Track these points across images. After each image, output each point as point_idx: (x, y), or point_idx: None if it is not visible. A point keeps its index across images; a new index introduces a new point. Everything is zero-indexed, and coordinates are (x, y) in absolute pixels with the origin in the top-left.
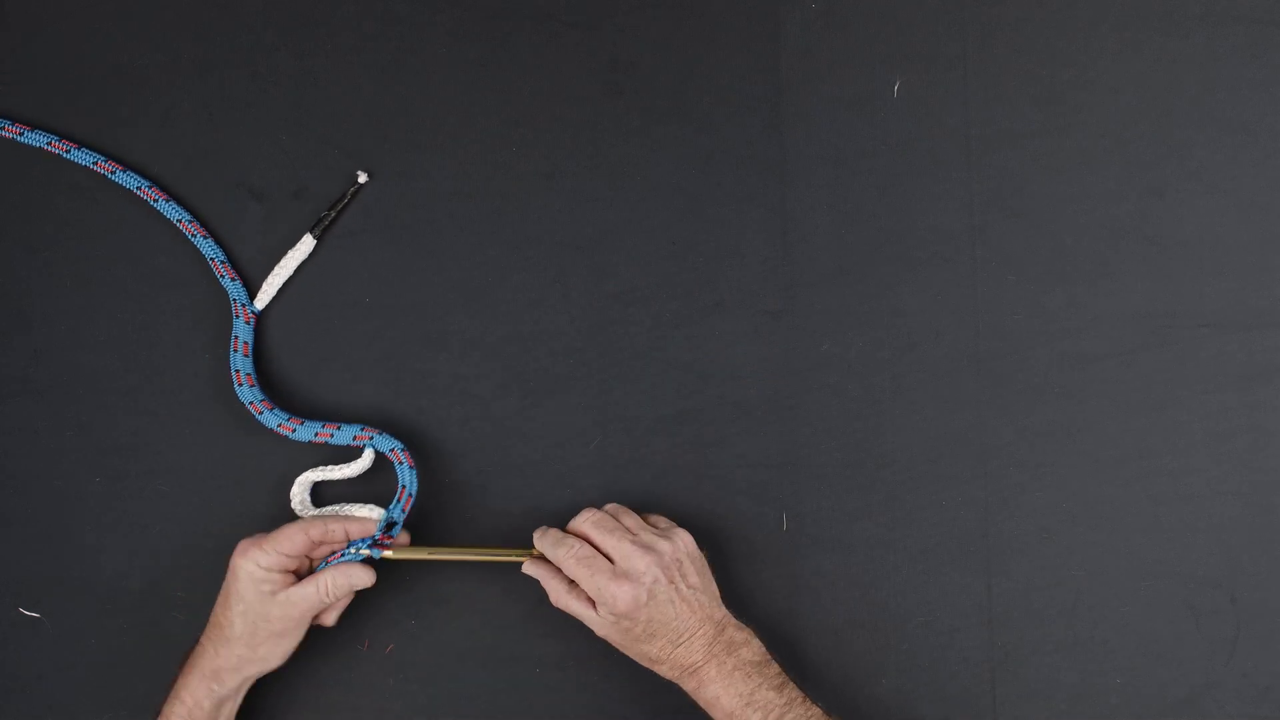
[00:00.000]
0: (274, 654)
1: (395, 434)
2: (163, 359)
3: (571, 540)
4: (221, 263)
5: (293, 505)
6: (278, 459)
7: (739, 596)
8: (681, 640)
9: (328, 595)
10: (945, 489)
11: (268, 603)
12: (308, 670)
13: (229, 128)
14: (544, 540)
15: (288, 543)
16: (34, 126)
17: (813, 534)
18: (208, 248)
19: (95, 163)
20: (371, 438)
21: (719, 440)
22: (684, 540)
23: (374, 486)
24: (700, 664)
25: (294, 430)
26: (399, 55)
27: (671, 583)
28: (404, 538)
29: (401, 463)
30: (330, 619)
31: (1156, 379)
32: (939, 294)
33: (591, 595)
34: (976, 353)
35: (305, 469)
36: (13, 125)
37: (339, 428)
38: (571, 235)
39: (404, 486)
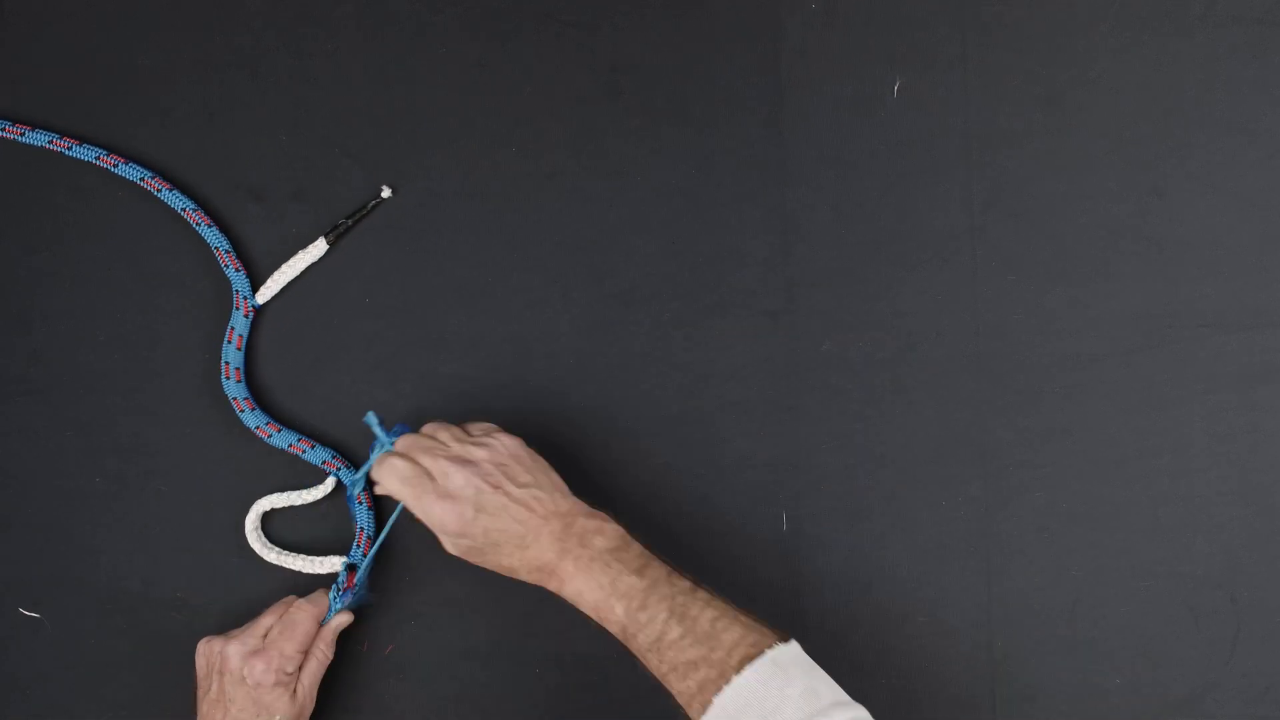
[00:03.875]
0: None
1: (395, 434)
2: (163, 359)
3: (395, 461)
4: (226, 252)
5: (247, 536)
6: (277, 459)
7: (739, 597)
8: (528, 542)
9: (327, 659)
10: (945, 489)
11: (295, 699)
12: None
13: (229, 128)
14: (375, 467)
15: (303, 637)
16: (35, 126)
17: (813, 534)
18: (212, 236)
19: (98, 157)
20: (339, 468)
21: (719, 440)
22: (505, 443)
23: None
24: (554, 562)
25: (270, 436)
26: (399, 55)
27: (498, 489)
28: (345, 617)
29: (360, 503)
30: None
31: (1156, 379)
32: (939, 294)
33: (422, 519)
34: (976, 353)
35: (285, 488)
36: (14, 125)
37: (313, 445)
38: (571, 235)
39: (362, 528)
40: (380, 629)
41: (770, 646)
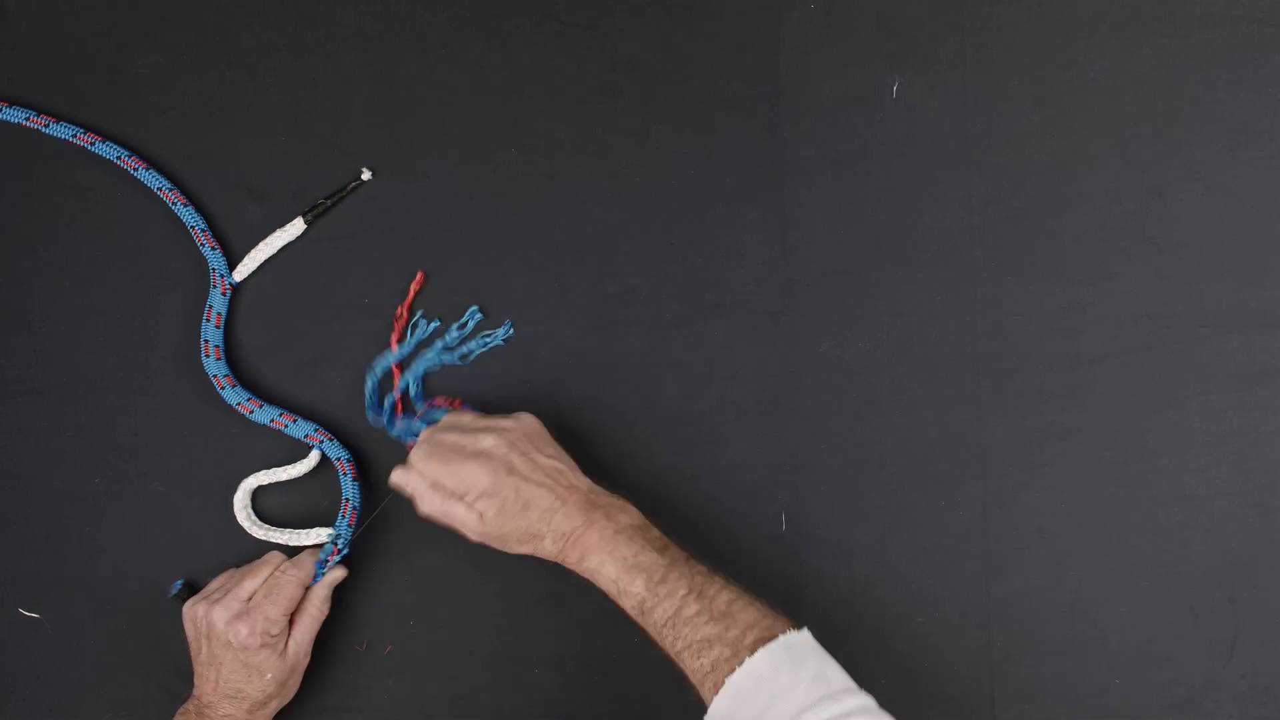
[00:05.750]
0: (298, 683)
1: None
2: (162, 359)
3: (422, 440)
4: (203, 231)
5: (236, 514)
6: (277, 459)
7: None
8: (555, 508)
9: (322, 614)
10: (945, 489)
11: (286, 656)
12: (307, 671)
13: (229, 128)
14: (397, 474)
15: (287, 601)
16: (59, 119)
17: (812, 534)
18: (189, 216)
19: (74, 135)
20: (322, 441)
21: (718, 441)
22: (528, 419)
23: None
24: (581, 530)
25: (252, 411)
26: (399, 55)
27: (526, 454)
28: (339, 572)
29: (346, 474)
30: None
31: (1156, 379)
32: (939, 294)
33: (454, 489)
34: (976, 353)
35: (271, 464)
36: (39, 116)
37: (295, 420)
38: (571, 235)
39: (347, 500)
40: (380, 629)
41: (784, 631)
